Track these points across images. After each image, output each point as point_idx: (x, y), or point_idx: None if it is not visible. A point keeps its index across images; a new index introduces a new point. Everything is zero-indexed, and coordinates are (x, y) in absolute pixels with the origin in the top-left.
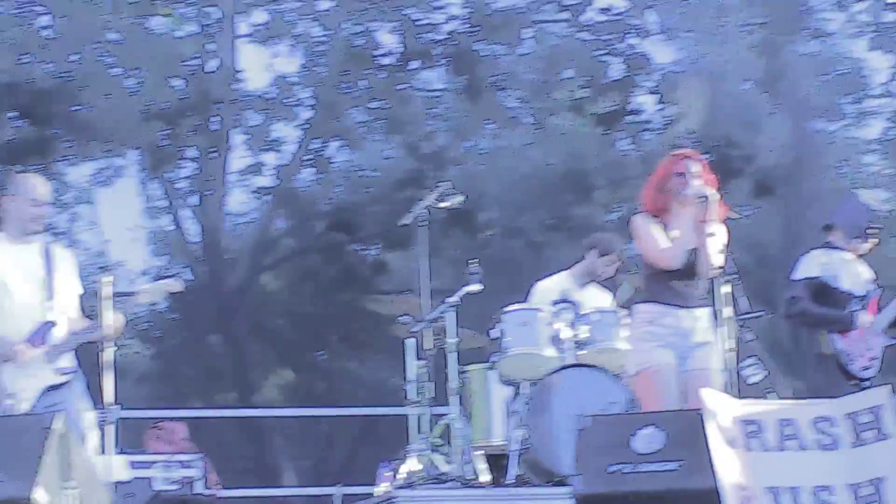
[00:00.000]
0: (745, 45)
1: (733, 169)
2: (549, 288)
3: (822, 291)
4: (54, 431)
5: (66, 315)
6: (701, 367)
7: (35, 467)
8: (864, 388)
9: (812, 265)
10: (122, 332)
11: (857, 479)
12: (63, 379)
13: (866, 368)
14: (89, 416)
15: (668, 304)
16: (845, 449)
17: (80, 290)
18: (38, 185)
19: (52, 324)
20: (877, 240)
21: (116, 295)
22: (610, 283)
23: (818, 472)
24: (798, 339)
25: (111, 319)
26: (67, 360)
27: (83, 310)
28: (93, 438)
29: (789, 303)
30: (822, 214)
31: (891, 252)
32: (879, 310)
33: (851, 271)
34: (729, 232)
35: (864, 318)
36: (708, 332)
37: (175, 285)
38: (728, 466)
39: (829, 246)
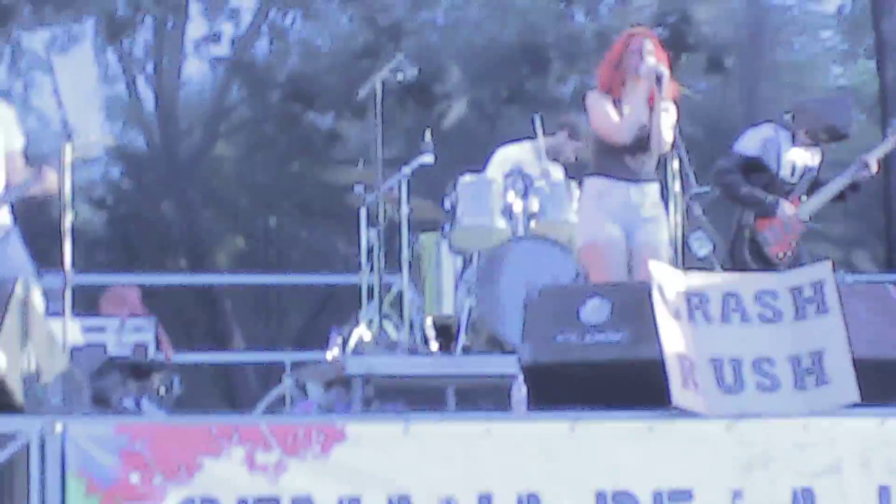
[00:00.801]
0: None
1: (687, 44)
2: (508, 156)
3: (757, 170)
4: (15, 296)
5: (5, 168)
6: (648, 241)
7: None
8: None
9: (755, 140)
10: (66, 194)
11: (797, 350)
12: None
13: (782, 255)
14: (29, 270)
15: (618, 179)
16: (787, 322)
17: (22, 142)
18: None
19: None
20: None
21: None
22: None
23: (760, 343)
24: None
25: (58, 181)
26: (2, 215)
27: (28, 161)
28: (37, 297)
29: (719, 173)
30: (775, 89)
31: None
32: (816, 189)
33: (791, 155)
34: (679, 108)
35: (787, 207)
36: (656, 206)
37: (107, 138)
38: (672, 337)
39: (782, 124)
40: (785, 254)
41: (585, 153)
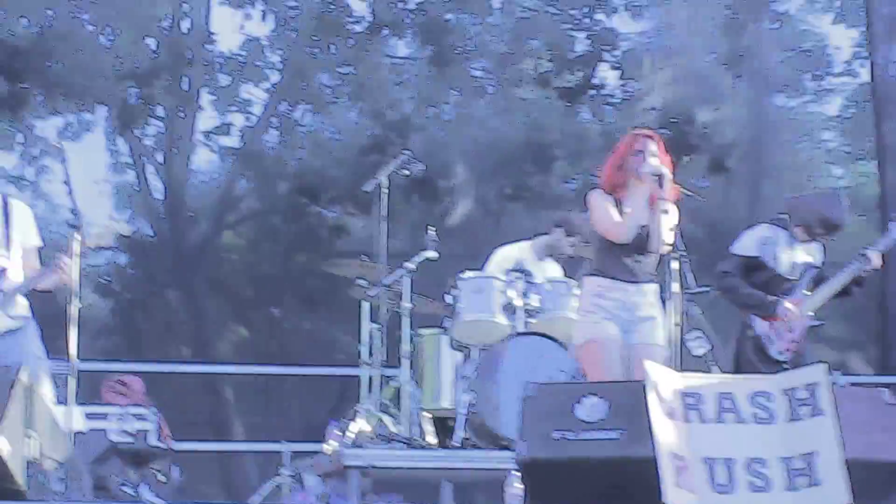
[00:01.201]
0: (711, 22)
1: (691, 145)
2: (508, 255)
3: (758, 270)
4: (20, 382)
5: (20, 264)
6: (645, 341)
7: None
8: (779, 372)
9: (753, 240)
10: (74, 283)
11: (790, 452)
12: (15, 325)
13: (784, 353)
14: (43, 364)
15: (617, 279)
16: (781, 423)
17: (38, 243)
18: None
19: (2, 270)
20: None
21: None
22: (567, 261)
23: (753, 444)
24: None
25: (74, 272)
26: (20, 308)
27: (42, 262)
28: (46, 385)
29: (719, 276)
30: (776, 189)
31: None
32: (818, 286)
33: (790, 253)
34: (680, 208)
35: (788, 305)
36: (654, 307)
37: (119, 227)
38: (666, 436)
39: (778, 222)
40: (788, 350)
41: (582, 249)
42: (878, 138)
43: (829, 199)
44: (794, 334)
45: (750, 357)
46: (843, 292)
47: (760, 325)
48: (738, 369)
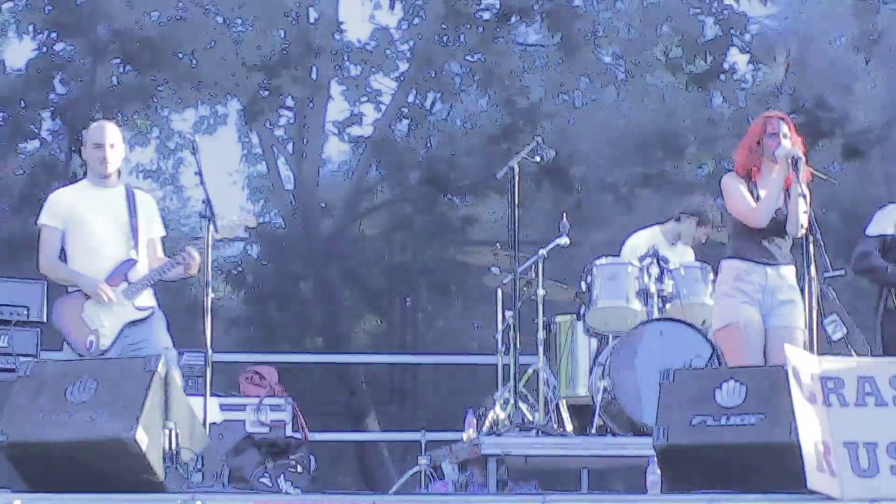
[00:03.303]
0: (841, 5)
1: (823, 130)
2: (640, 242)
3: (894, 248)
4: (157, 374)
5: (146, 255)
6: (784, 324)
7: (138, 408)
8: None
9: (887, 220)
10: (207, 274)
11: None
12: (142, 315)
13: None
14: (171, 354)
15: (755, 262)
16: None
17: (162, 233)
18: (97, 130)
19: (132, 261)
20: None
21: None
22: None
23: (895, 427)
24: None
25: (206, 263)
26: (147, 298)
27: (166, 252)
28: (175, 375)
29: (859, 258)
30: None
31: None
32: None
33: None
34: (814, 192)
35: None
36: (792, 289)
37: (249, 219)
38: (808, 421)
39: None
40: None
41: (716, 235)
42: None
43: None
44: None
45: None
46: None
47: None
48: (889, 349)
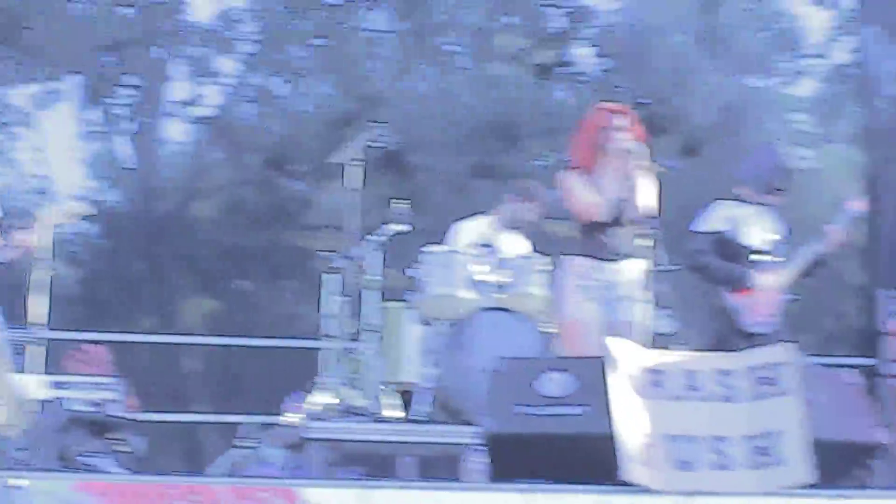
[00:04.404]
0: (687, 1)
1: (662, 126)
2: (468, 230)
3: (725, 245)
4: None
5: None
6: (623, 318)
7: None
8: (756, 345)
9: (717, 217)
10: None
11: (753, 431)
12: None
13: (760, 325)
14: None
15: (597, 258)
16: (744, 401)
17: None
18: None
19: None
20: (785, 195)
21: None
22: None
23: (716, 422)
24: (705, 292)
25: (43, 241)
26: None
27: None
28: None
29: (692, 255)
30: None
31: (813, 209)
32: (784, 264)
33: (757, 226)
34: (650, 186)
35: (763, 276)
36: (633, 284)
37: (85, 209)
38: (629, 413)
39: (737, 199)
40: (765, 324)
41: (543, 210)
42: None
43: (769, 150)
44: (768, 307)
45: (727, 332)
46: (806, 273)
47: (734, 299)
48: (715, 345)
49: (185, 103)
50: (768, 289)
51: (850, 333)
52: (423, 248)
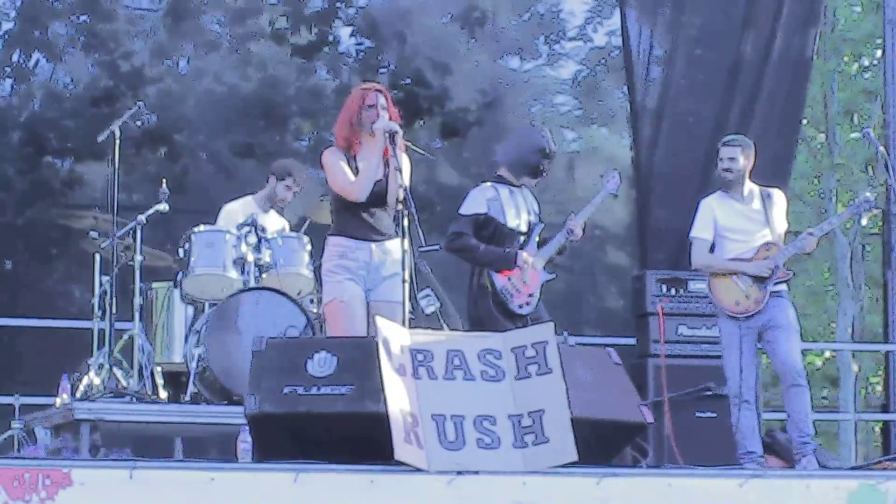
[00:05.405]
0: None
1: (422, 107)
2: (234, 210)
3: (487, 226)
4: None
5: None
6: (387, 298)
7: None
8: (520, 326)
9: (479, 200)
10: None
11: (518, 410)
12: None
13: (523, 305)
14: None
15: (358, 238)
16: (509, 381)
17: None
18: None
19: None
20: (543, 175)
21: None
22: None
23: (482, 402)
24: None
25: None
26: None
27: None
28: None
29: (451, 237)
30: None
31: (577, 189)
32: (541, 245)
33: (517, 207)
34: (412, 166)
35: (524, 256)
36: (396, 264)
37: None
38: (396, 393)
39: (498, 180)
40: (528, 304)
41: (303, 182)
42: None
43: (531, 131)
44: (530, 287)
45: (492, 312)
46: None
47: (498, 280)
48: (479, 325)
49: None
50: (530, 270)
51: (616, 314)
52: (191, 228)
